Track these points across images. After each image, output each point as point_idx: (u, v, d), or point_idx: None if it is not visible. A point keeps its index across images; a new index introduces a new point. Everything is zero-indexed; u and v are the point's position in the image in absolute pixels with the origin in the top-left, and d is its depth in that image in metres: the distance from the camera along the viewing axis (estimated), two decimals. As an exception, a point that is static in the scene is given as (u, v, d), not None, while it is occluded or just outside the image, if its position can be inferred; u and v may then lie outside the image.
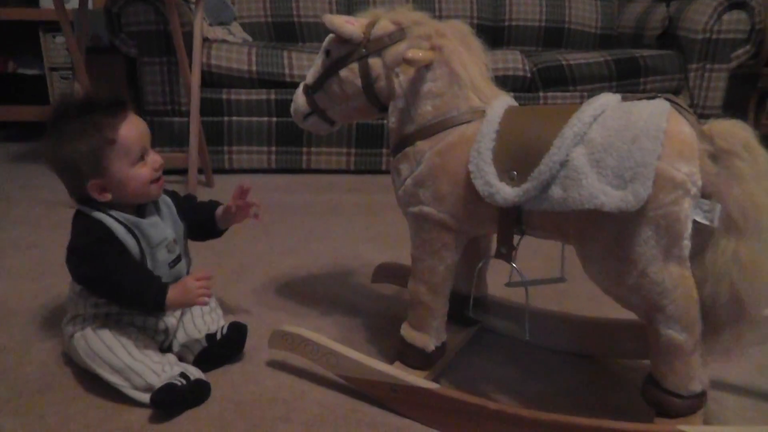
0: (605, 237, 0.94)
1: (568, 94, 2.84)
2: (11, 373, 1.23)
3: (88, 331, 1.17)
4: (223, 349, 1.26)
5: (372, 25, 1.15)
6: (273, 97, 2.67)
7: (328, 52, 1.19)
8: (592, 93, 2.80)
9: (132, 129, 1.17)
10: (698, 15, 2.91)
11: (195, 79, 2.38)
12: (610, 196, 0.89)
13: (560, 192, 0.93)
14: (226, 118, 2.68)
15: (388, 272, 1.60)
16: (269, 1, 3.21)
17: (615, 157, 0.89)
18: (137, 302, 1.16)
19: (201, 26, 2.39)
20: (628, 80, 2.88)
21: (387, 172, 2.76)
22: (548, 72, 2.82)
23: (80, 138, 1.13)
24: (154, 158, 1.21)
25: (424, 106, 1.08)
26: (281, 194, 2.48)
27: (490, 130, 1.01)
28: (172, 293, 1.14)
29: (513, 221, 1.02)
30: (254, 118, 2.70)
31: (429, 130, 1.07)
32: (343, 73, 1.16)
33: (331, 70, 1.18)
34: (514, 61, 2.78)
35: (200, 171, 2.53)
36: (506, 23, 3.42)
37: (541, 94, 2.82)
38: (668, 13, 3.10)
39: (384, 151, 2.77)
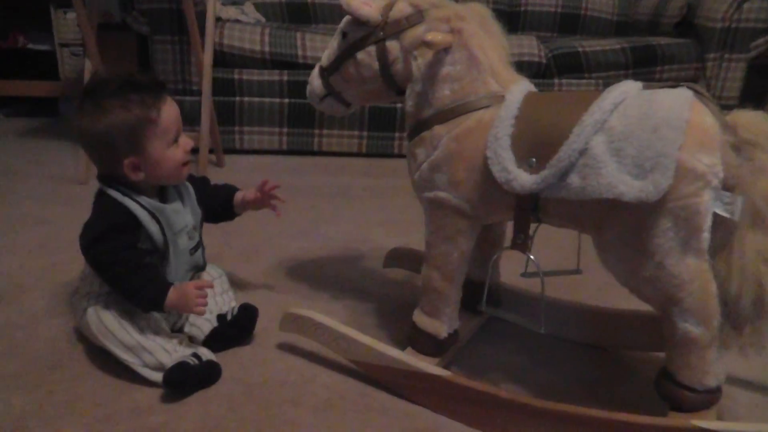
0: (623, 227, 0.93)
1: (583, 81, 2.80)
2: (20, 349, 1.23)
3: (101, 307, 1.17)
4: (234, 330, 1.26)
5: (390, 7, 1.13)
6: (285, 78, 2.65)
7: (344, 34, 1.17)
8: (608, 80, 2.78)
9: (171, 111, 1.17)
10: (718, 3, 2.87)
11: (207, 59, 2.36)
12: (629, 186, 0.87)
13: (579, 180, 0.91)
14: (237, 98, 2.66)
15: (400, 257, 1.59)
16: (283, -19, 3.19)
17: (635, 146, 0.88)
18: (134, 298, 1.14)
19: (214, 5, 2.37)
20: (645, 68, 2.84)
21: (399, 155, 2.75)
22: (564, 58, 2.79)
23: (122, 113, 1.12)
24: (186, 141, 1.22)
25: (441, 90, 1.06)
26: (292, 176, 2.47)
27: (509, 116, 0.99)
28: (172, 296, 1.13)
29: (530, 209, 1.01)
30: (266, 99, 2.68)
31: (446, 115, 1.05)
32: (360, 55, 1.14)
33: (347, 52, 1.16)
34: (529, 46, 2.76)
35: (211, 151, 2.52)
36: (522, 8, 3.38)
37: (555, 80, 2.79)
38: (687, 1, 3.05)
39: (396, 134, 2.74)
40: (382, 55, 1.12)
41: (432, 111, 1.07)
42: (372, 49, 1.13)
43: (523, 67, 2.68)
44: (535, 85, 1.11)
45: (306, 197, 2.20)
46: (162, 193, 1.24)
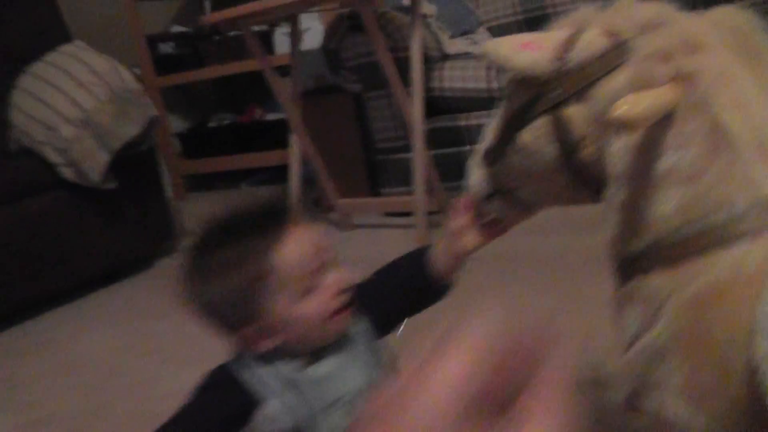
0: None
1: None
2: None
3: None
4: None
5: (571, 42, 0.64)
6: (521, 116, 2.24)
7: (508, 99, 0.73)
8: None
9: (295, 248, 0.80)
10: None
11: (417, 110, 2.05)
12: None
13: None
14: (467, 148, 2.30)
15: None
16: (517, -6, 2.77)
17: None
18: None
19: (421, 48, 2.05)
20: None
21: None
22: None
23: (223, 276, 0.79)
24: (338, 277, 0.83)
25: (662, 201, 0.56)
26: (534, 236, 2.03)
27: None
28: None
29: None
30: (499, 145, 2.29)
31: (672, 251, 0.55)
32: (523, 136, 0.69)
33: (508, 129, 0.71)
34: None
35: (435, 213, 2.17)
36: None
37: None
38: None
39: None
40: (561, 133, 0.65)
41: (646, 241, 0.57)
42: (541, 123, 0.67)
43: None
44: None
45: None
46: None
